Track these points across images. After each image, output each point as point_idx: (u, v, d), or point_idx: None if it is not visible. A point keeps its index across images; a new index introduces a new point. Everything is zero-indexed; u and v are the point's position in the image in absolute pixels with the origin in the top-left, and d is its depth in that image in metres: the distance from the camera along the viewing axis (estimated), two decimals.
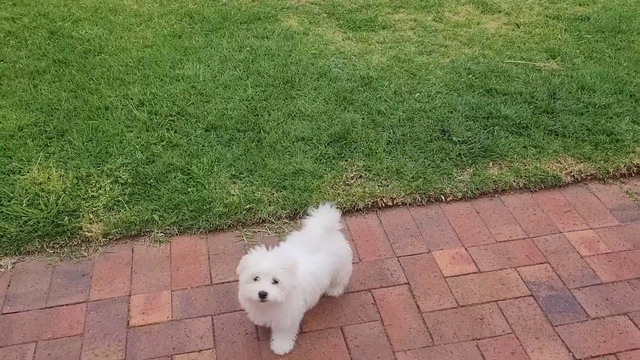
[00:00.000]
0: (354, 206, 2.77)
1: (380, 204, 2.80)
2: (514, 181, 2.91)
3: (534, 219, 2.73)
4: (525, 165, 2.98)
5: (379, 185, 2.86)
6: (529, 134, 3.18)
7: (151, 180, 2.78)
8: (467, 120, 3.27)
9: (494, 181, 2.90)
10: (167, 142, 3.02)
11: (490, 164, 3.00)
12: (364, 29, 4.29)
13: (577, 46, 4.02)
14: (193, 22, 4.22)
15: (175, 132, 3.11)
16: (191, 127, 3.15)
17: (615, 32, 4.16)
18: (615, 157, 3.02)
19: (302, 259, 2.01)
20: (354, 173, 2.92)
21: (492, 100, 3.43)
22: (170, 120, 3.18)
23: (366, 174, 2.92)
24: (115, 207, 2.65)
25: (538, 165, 2.98)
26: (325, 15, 4.48)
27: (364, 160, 2.99)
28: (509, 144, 3.10)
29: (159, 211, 2.64)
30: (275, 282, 1.85)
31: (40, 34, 3.88)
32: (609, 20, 4.31)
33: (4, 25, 3.95)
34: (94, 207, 2.63)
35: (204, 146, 3.03)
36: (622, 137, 3.14)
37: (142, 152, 2.93)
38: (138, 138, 3.02)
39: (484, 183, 2.88)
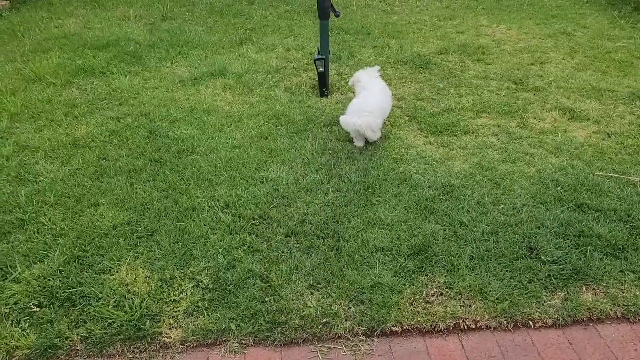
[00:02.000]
0: (435, 327, 2.65)
1: (462, 326, 2.67)
2: (611, 309, 2.70)
3: (635, 356, 2.49)
4: (624, 292, 2.76)
5: (461, 305, 2.74)
6: (626, 257, 2.97)
7: (230, 287, 2.82)
8: (556, 238, 3.11)
9: (588, 308, 2.70)
10: (249, 246, 3.08)
11: (584, 288, 2.81)
12: (445, 133, 4.31)
13: None
14: (279, 124, 4.42)
15: (257, 236, 3.18)
16: (272, 232, 3.20)
17: None
18: None
19: None
20: (435, 290, 2.83)
21: (584, 216, 3.27)
22: (252, 223, 3.26)
23: (447, 292, 2.81)
24: (194, 312, 2.69)
25: (638, 293, 2.75)
26: (407, 118, 4.55)
27: (445, 277, 2.89)
28: (604, 267, 2.90)
29: (236, 320, 2.65)
30: None
31: (140, 133, 4.19)
32: None
33: (109, 125, 4.31)
34: (175, 312, 2.69)
35: (283, 252, 3.06)
36: None
37: (224, 256, 3.00)
38: (221, 241, 3.11)
39: (577, 310, 2.69)
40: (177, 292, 2.79)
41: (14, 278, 2.82)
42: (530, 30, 6.47)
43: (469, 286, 2.82)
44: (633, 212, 3.28)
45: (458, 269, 2.92)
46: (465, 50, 5.90)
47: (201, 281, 2.85)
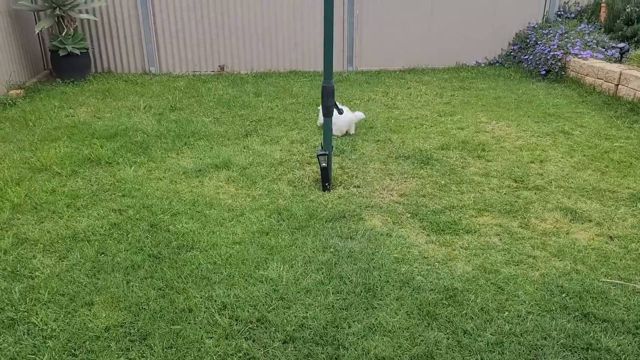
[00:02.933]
0: None
1: None
2: None
3: None
4: None
5: None
6: None
7: None
8: (563, 350, 3.00)
9: None
10: (245, 353, 2.97)
11: None
12: (447, 232, 4.29)
13: None
14: (281, 219, 4.42)
15: (254, 341, 3.08)
16: (270, 337, 3.11)
17: None
18: None
19: None
20: None
21: (591, 327, 3.17)
22: (249, 327, 3.17)
23: None
24: None
25: None
26: (408, 215, 4.55)
27: None
28: None
29: None
30: None
31: (141, 227, 4.19)
32: None
33: (111, 217, 4.32)
34: None
35: None
36: None
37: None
38: (216, 347, 3.01)
39: None
40: None
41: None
42: (529, 128, 6.62)
43: None
44: None
45: None
46: (465, 147, 6.01)
47: None
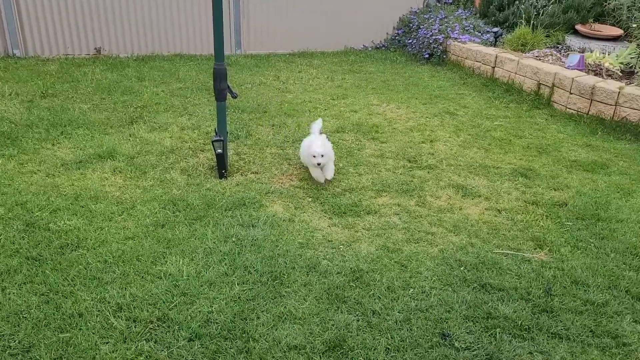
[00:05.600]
0: None
1: None
2: None
3: None
4: None
5: None
6: (532, 337, 3.02)
7: None
8: (466, 321, 3.12)
9: None
10: (146, 356, 2.74)
11: None
12: (349, 214, 4.29)
13: (560, 234, 4.06)
14: (177, 210, 4.15)
15: (156, 342, 2.85)
16: (173, 337, 2.89)
17: (595, 220, 4.25)
18: None
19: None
20: None
21: (489, 297, 3.33)
22: (150, 328, 2.93)
23: None
24: None
25: None
26: (309, 199, 4.50)
27: None
28: (514, 350, 2.93)
29: None
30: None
31: (15, 227, 3.72)
32: (586, 207, 4.44)
33: None
34: None
35: None
36: (628, 339, 3.02)
37: None
38: (113, 352, 2.74)
39: None
40: None
41: None
42: (418, 110, 6.85)
43: None
44: (532, 290, 3.39)
45: None
46: (360, 129, 6.07)
47: None
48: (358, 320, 3.10)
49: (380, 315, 3.15)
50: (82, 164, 4.81)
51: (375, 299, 3.28)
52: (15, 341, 2.76)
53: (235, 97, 4.71)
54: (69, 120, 5.72)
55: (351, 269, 3.56)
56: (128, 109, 6.26)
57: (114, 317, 2.98)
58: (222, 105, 4.65)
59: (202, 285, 3.31)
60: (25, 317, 2.92)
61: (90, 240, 3.67)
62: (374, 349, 2.89)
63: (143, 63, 8.35)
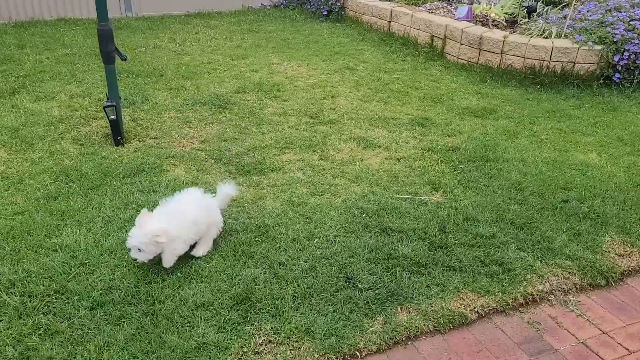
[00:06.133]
0: None
1: None
2: (424, 325, 2.88)
3: None
4: (432, 307, 2.98)
5: (290, 349, 2.68)
6: (429, 272, 3.22)
7: None
8: (369, 264, 3.26)
9: (405, 328, 2.84)
10: (45, 329, 2.64)
11: (399, 308, 2.96)
12: (253, 172, 4.29)
13: (454, 177, 4.31)
14: (70, 181, 3.95)
15: (54, 315, 2.74)
16: (73, 307, 2.79)
17: (484, 161, 4.54)
18: (511, 288, 3.14)
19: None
20: (263, 338, 2.72)
21: (389, 239, 3.49)
22: (47, 301, 2.81)
23: (275, 338, 2.73)
24: None
25: (443, 304, 3.00)
26: (212, 161, 4.44)
27: (271, 322, 2.81)
28: (413, 285, 3.11)
29: None
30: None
31: None
32: (477, 150, 4.73)
33: None
34: None
35: (89, 329, 2.68)
36: (513, 265, 3.30)
37: (13, 347, 2.52)
38: (8, 329, 2.61)
39: (395, 331, 2.81)
40: None
41: None
42: (319, 67, 6.89)
43: (296, 328, 2.78)
44: (428, 229, 3.60)
45: (283, 311, 2.87)
46: (261, 89, 6.02)
47: None
48: (265, 273, 3.15)
49: (286, 266, 3.22)
50: None
51: (281, 252, 3.34)
52: None
53: (125, 60, 4.48)
54: None
55: (257, 225, 3.59)
56: (8, 78, 5.79)
57: (7, 294, 2.83)
58: (111, 69, 4.42)
59: (102, 254, 3.20)
60: None
61: None
62: (282, 298, 2.96)
63: (23, 30, 7.71)
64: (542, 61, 6.30)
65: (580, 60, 6.22)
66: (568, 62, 6.26)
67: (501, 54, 6.55)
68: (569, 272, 3.29)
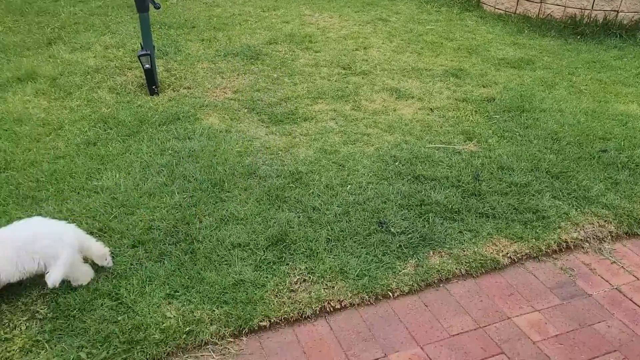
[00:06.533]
0: (302, 314, 2.62)
1: (328, 309, 2.67)
2: (456, 268, 2.91)
3: (482, 307, 2.72)
4: (464, 251, 3.00)
5: (324, 288, 2.75)
6: (462, 219, 3.23)
7: (74, 312, 2.49)
8: (401, 210, 3.28)
9: (437, 271, 2.88)
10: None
11: (431, 252, 3.00)
12: (286, 122, 4.31)
13: (489, 127, 4.25)
14: (108, 128, 4.04)
15: None
16: (116, 245, 2.91)
17: (520, 111, 4.46)
18: (545, 234, 3.13)
19: None
20: (297, 277, 2.80)
21: (422, 187, 3.49)
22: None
23: (310, 277, 2.80)
24: (34, 349, 2.33)
25: (476, 249, 3.01)
26: (245, 110, 4.47)
27: (305, 263, 2.88)
28: (445, 231, 3.13)
29: (86, 347, 2.35)
30: None
31: None
32: (512, 100, 4.64)
33: None
34: (9, 353, 2.30)
35: (132, 264, 2.79)
36: (547, 213, 3.28)
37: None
38: None
39: (428, 274, 2.85)
40: (8, 328, 2.39)
41: None
42: (351, 18, 6.78)
43: (329, 268, 2.84)
44: (462, 177, 3.58)
45: (317, 253, 2.93)
46: (293, 40, 5.97)
47: (37, 311, 2.48)
48: (299, 217, 3.20)
49: (320, 210, 3.26)
50: (1, 87, 4.53)
51: (314, 197, 3.38)
52: None
53: (158, 8, 4.49)
54: None
55: (290, 172, 3.63)
56: (45, 30, 5.87)
57: None
58: (145, 17, 4.44)
59: (141, 197, 3.30)
60: None
61: (19, 161, 3.55)
62: (315, 240, 3.01)
63: None
64: (583, 10, 6.06)
65: (624, 9, 5.97)
66: (611, 10, 6.01)
67: (540, 3, 6.32)
68: (605, 221, 3.26)
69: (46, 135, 3.90)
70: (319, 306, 2.66)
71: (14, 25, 5.93)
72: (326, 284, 2.77)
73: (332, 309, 2.68)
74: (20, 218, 3.00)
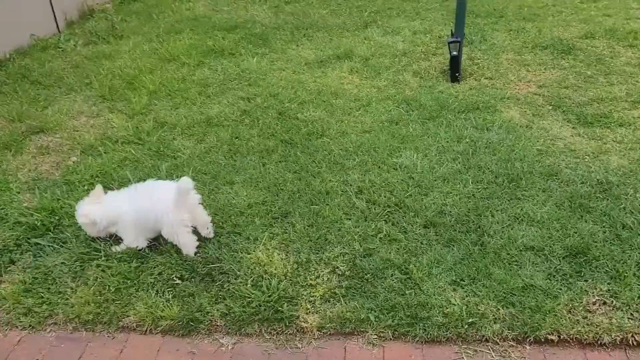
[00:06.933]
0: (598, 339, 2.36)
1: (631, 342, 2.35)
2: None
3: None
4: None
5: (629, 318, 2.42)
6: None
7: (368, 276, 2.69)
8: None
9: None
10: (385, 235, 2.93)
11: None
12: (596, 125, 3.88)
13: None
14: (410, 109, 4.21)
15: (393, 224, 3.02)
16: (409, 222, 3.03)
17: None
18: None
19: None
20: (597, 298, 2.52)
21: None
22: (388, 211, 3.10)
23: (612, 302, 2.49)
24: (331, 299, 2.60)
25: None
26: (549, 107, 4.17)
27: (608, 284, 2.57)
28: None
29: (375, 311, 2.52)
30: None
31: (270, 114, 4.18)
32: None
33: (240, 105, 4.34)
34: (312, 297, 2.60)
35: (422, 244, 2.87)
36: None
37: (359, 243, 2.88)
38: (356, 228, 2.99)
39: None
40: (313, 276, 2.71)
41: (158, 250, 2.88)
42: None
43: (638, 297, 2.48)
44: None
45: (624, 276, 2.58)
46: (614, 35, 5.32)
47: (337, 267, 2.74)
48: (604, 232, 2.86)
49: (632, 229, 2.86)
50: (323, 63, 5.11)
51: (626, 213, 2.98)
52: (275, 207, 3.17)
53: None
54: (310, 24, 6.07)
55: (598, 180, 3.26)
56: (362, 13, 6.39)
57: (356, 197, 3.22)
58: (462, 3, 4.45)
59: (435, 180, 3.36)
60: (282, 189, 3.32)
61: (332, 130, 3.96)
62: (623, 262, 2.66)
63: None
64: None
65: None
66: None
67: None
68: None
69: (356, 109, 4.27)
70: (620, 336, 2.36)
71: (337, 8, 6.61)
72: (632, 314, 2.43)
73: (635, 344, 2.34)
74: (330, 181, 3.36)
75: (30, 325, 2.52)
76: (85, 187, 3.31)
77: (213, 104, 4.38)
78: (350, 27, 6.01)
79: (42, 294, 2.64)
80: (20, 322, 2.53)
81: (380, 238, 2.91)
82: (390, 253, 2.81)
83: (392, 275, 2.69)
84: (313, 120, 4.09)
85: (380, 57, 5.20)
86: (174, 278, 2.71)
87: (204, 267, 2.75)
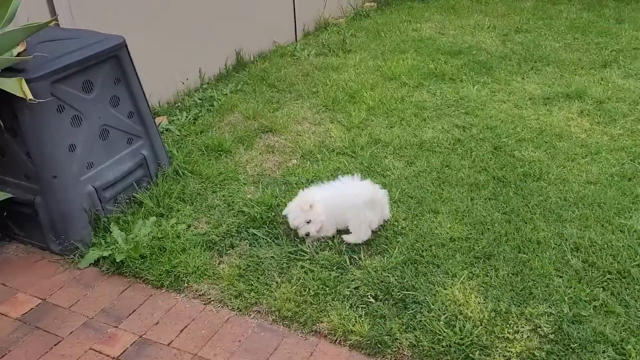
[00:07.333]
0: None
1: None
2: None
3: None
4: None
5: None
6: None
7: (575, 345, 2.43)
8: None
9: None
10: (602, 304, 2.63)
11: None
12: None
13: None
14: None
15: (612, 294, 2.69)
16: (632, 296, 2.67)
17: None
18: None
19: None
20: None
21: None
22: (608, 278, 2.78)
23: None
24: (528, 358, 2.41)
25: None
26: None
27: None
28: None
29: None
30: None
31: (484, 147, 4.04)
32: None
33: (455, 133, 4.27)
34: (507, 352, 2.44)
35: None
36: None
37: (569, 306, 2.62)
38: (567, 288, 2.73)
39: None
40: (511, 330, 2.54)
41: (357, 264, 2.97)
42: None
43: None
44: None
45: None
46: None
47: (540, 327, 2.53)
48: None
49: None
50: (549, 100, 4.79)
51: None
52: (479, 246, 3.05)
53: None
54: (540, 57, 5.74)
55: None
56: (602, 51, 5.84)
57: (571, 254, 2.95)
58: None
59: None
60: (488, 228, 3.19)
61: (552, 175, 3.68)
62: None
63: (623, 4, 7.57)
64: None
65: None
66: None
67: None
68: None
69: (582, 157, 3.91)
70: None
71: (573, 43, 6.14)
72: None
73: None
74: (543, 231, 3.12)
75: (238, 308, 2.78)
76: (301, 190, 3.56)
77: (427, 127, 4.38)
78: (586, 64, 5.53)
79: (252, 282, 2.90)
80: (231, 302, 2.81)
81: (595, 306, 2.62)
82: (605, 326, 2.51)
83: (603, 352, 2.39)
84: (531, 160, 3.85)
85: (618, 102, 4.69)
86: (369, 296, 2.76)
87: (399, 292, 2.76)
